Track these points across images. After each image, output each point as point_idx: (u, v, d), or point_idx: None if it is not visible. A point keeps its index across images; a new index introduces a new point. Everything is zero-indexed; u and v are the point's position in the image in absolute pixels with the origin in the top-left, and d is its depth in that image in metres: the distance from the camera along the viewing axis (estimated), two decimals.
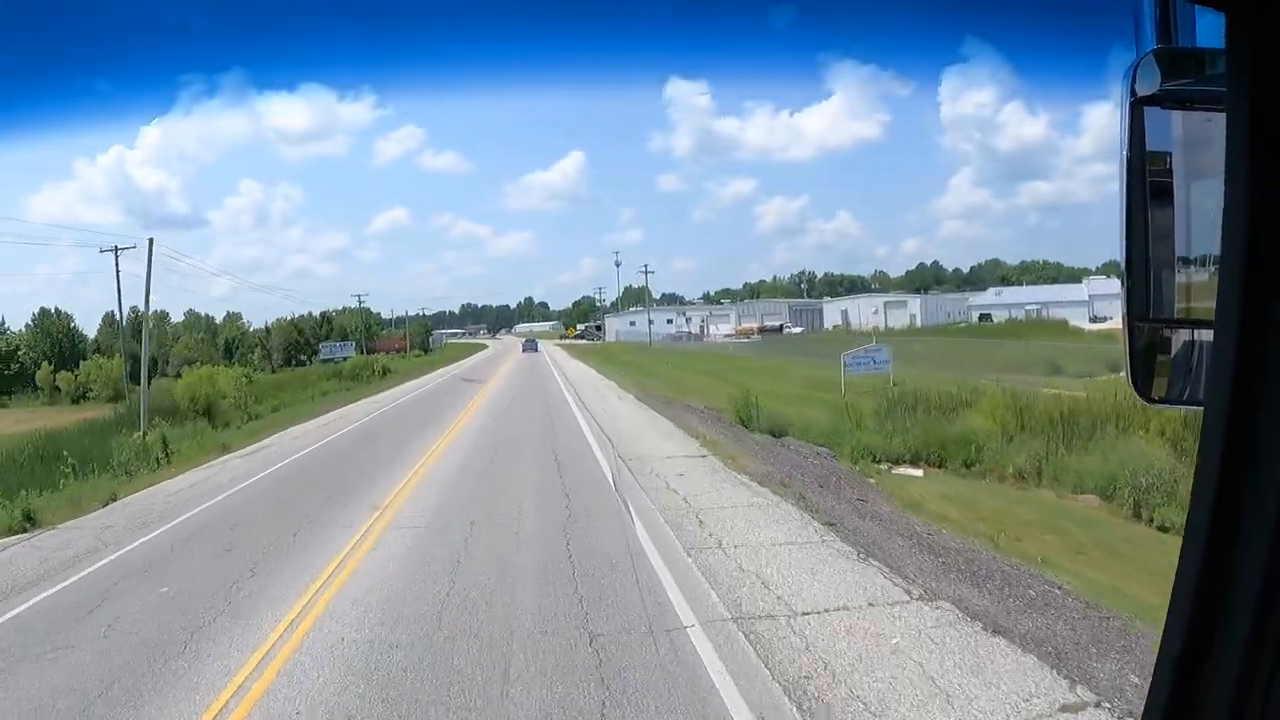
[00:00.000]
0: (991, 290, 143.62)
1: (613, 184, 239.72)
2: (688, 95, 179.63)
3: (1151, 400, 1.53)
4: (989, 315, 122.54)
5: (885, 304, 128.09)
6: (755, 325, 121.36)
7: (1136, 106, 1.42)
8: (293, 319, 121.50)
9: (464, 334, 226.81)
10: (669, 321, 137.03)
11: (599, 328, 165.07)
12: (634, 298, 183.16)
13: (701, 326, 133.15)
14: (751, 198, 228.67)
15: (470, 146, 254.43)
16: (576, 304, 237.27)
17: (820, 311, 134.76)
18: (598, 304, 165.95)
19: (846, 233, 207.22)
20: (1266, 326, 1.31)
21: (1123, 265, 1.46)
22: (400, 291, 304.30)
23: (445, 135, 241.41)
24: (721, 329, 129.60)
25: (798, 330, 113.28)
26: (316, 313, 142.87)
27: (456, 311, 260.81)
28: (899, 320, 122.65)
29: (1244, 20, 1.33)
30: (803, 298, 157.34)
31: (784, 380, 46.94)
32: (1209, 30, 1.46)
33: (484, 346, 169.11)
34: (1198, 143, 1.43)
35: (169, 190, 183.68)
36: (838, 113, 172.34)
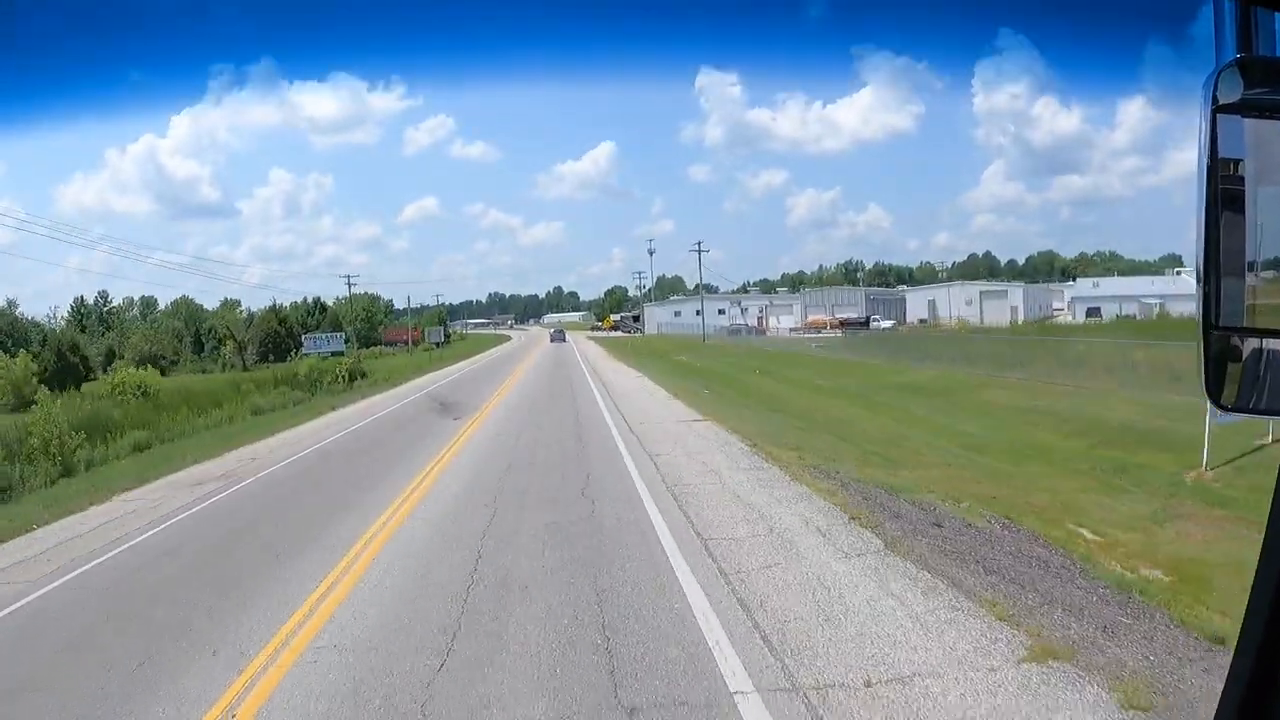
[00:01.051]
0: (1088, 281, 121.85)
1: (644, 174, 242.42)
2: (719, 85, 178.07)
3: (1223, 408, 1.47)
4: (1097, 309, 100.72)
5: (981, 293, 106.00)
6: (829, 317, 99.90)
7: (1218, 115, 1.38)
8: (274, 307, 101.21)
9: (491, 324, 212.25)
10: (720, 312, 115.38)
11: (636, 318, 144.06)
12: (668, 288, 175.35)
13: (759, 318, 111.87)
14: (783, 189, 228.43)
15: (501, 136, 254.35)
16: (609, 293, 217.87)
17: (900, 301, 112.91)
18: (636, 291, 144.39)
19: (878, 225, 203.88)
20: None
21: (1199, 272, 1.42)
22: (430, 280, 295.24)
23: (476, 124, 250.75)
24: (784, 321, 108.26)
25: (887, 324, 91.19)
26: (310, 298, 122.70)
27: (484, 300, 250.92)
28: (997, 313, 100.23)
29: None
30: (856, 287, 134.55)
31: (1007, 418, 25.45)
32: None
33: (506, 339, 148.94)
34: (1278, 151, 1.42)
35: (200, 179, 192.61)
36: (871, 105, 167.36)
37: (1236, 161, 1.39)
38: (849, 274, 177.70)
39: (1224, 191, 1.39)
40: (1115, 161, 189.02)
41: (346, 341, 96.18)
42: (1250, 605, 1.41)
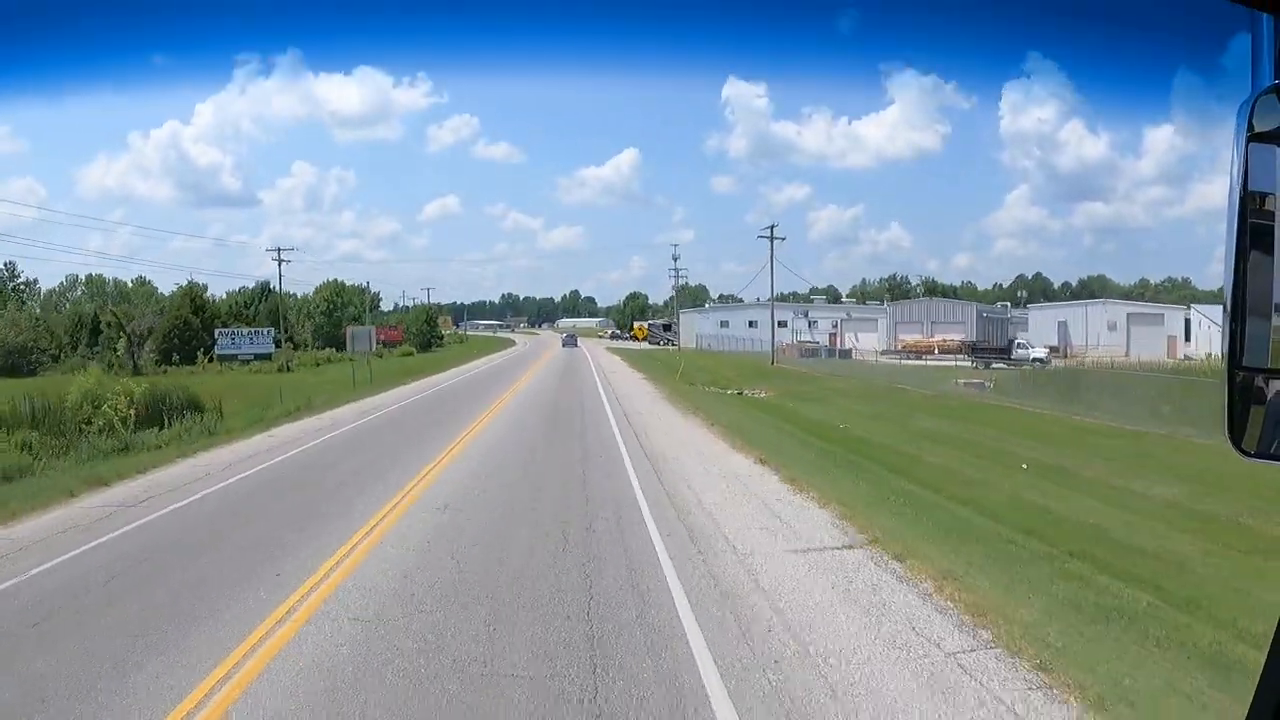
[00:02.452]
0: (1215, 309, 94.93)
1: (666, 183, 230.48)
2: (746, 96, 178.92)
3: (1245, 453, 1.38)
4: None
5: (1129, 315, 79.86)
6: (936, 339, 74.12)
7: (1251, 144, 1.29)
8: (191, 287, 75.10)
9: (503, 326, 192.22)
10: (781, 324, 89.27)
11: (667, 327, 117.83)
12: (691, 296, 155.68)
13: (833, 335, 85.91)
14: (805, 204, 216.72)
15: (524, 138, 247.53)
16: (630, 297, 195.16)
17: (1004, 322, 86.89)
18: (671, 291, 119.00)
19: (899, 244, 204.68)
20: None
21: (1227, 308, 1.34)
22: (449, 278, 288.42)
23: (500, 125, 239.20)
24: (863, 339, 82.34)
25: (1039, 352, 64.38)
26: (259, 283, 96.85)
27: (496, 301, 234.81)
28: (1149, 342, 74.07)
29: None
30: (956, 300, 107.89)
31: None
32: None
33: (509, 344, 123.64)
34: None
35: (222, 168, 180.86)
36: (897, 122, 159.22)
37: (1267, 195, 1.28)
38: (894, 289, 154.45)
39: (1254, 225, 1.28)
40: (1140, 191, 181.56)
41: (283, 342, 70.54)
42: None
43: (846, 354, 71.58)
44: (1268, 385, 1.35)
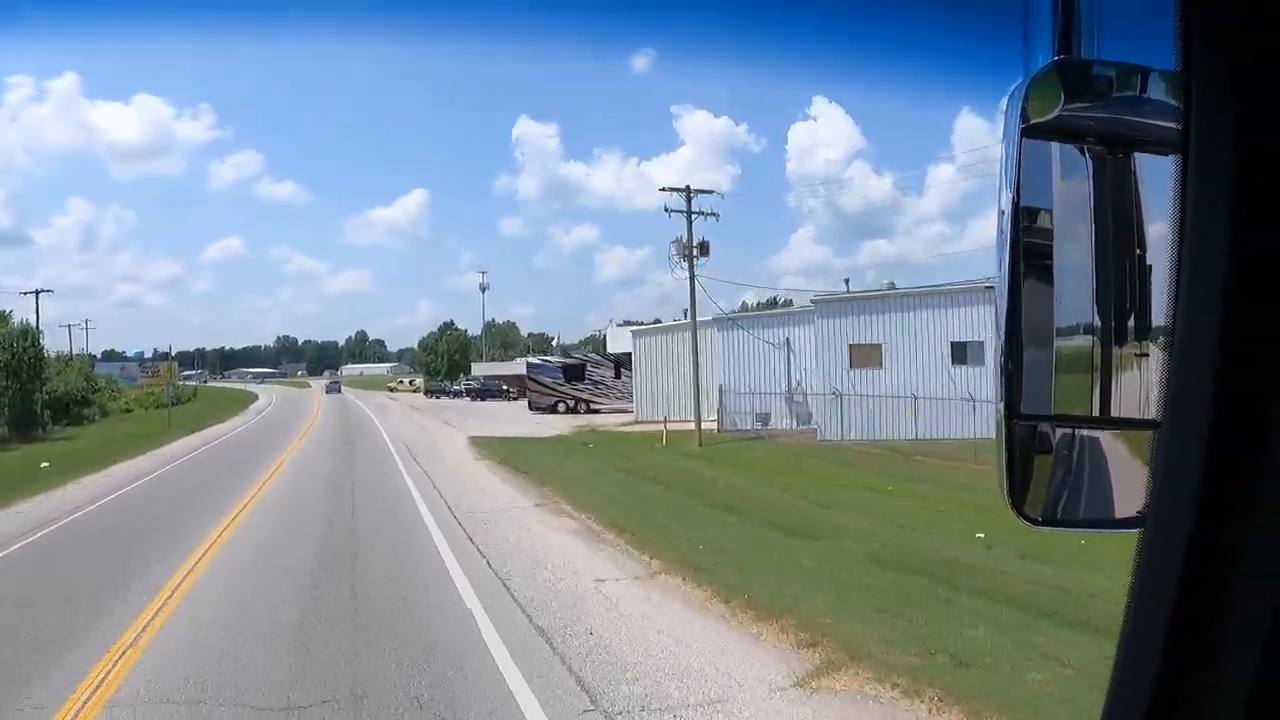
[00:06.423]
0: None
1: (456, 224, 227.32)
2: (537, 136, 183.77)
3: (1030, 520, 1.09)
4: None
5: None
6: None
7: (1027, 139, 0.99)
8: None
9: (264, 377, 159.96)
10: (953, 360, 29.34)
11: (577, 372, 56.19)
12: (499, 335, 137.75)
13: None
14: (594, 245, 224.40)
15: (310, 176, 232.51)
16: (445, 328, 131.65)
17: None
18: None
19: (683, 286, 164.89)
20: (1234, 421, 0.94)
21: (1000, 346, 1.02)
22: (229, 325, 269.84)
23: (285, 163, 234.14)
24: None
25: None
26: None
27: (271, 345, 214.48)
28: None
29: (1217, 20, 0.92)
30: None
31: None
32: (1125, 37, 1.05)
33: (234, 412, 58.63)
34: (1116, 184, 1.01)
35: None
36: (689, 164, 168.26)
37: (1043, 210, 1.00)
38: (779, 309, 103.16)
39: (1028, 242, 1.00)
40: (921, 228, 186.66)
41: None
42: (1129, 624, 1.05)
43: None
44: (1054, 433, 1.05)
